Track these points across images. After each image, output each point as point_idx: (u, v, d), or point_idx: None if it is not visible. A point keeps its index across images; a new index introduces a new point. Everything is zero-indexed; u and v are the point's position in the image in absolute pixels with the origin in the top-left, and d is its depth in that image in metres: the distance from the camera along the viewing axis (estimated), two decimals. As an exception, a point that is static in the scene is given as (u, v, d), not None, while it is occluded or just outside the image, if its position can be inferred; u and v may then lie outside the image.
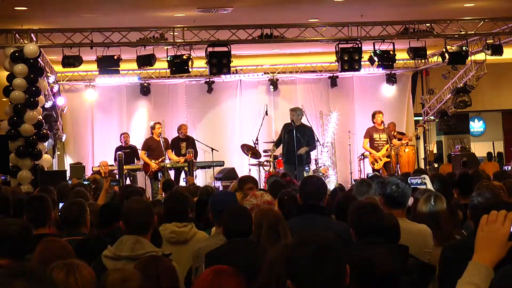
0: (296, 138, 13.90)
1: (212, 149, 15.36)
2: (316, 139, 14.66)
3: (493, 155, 18.95)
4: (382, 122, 14.90)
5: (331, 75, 17.67)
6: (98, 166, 15.29)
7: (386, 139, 14.82)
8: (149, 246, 4.20)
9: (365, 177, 12.52)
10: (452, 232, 4.97)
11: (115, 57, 13.71)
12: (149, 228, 4.38)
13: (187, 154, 14.48)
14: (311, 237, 2.56)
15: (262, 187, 10.46)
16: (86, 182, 10.38)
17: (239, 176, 14.47)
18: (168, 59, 13.92)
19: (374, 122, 14.99)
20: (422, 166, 17.87)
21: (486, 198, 4.29)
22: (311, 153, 14.72)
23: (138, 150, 15.50)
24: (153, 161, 14.75)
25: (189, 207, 6.04)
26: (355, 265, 3.41)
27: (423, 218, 5.00)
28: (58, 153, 17.07)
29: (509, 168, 12.65)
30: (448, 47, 14.85)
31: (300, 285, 2.48)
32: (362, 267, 3.42)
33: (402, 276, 3.50)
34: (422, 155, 19.14)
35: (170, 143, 15.33)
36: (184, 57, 13.89)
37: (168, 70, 14.71)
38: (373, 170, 14.60)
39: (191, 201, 6.68)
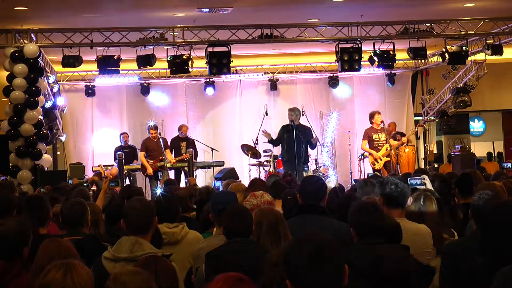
0: (297, 138, 13.92)
1: (212, 149, 15.36)
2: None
3: (493, 155, 18.94)
4: (382, 122, 14.89)
5: (331, 75, 17.67)
6: (98, 166, 15.27)
7: (385, 139, 14.81)
8: (148, 247, 4.18)
9: (365, 177, 12.54)
10: (440, 233, 4.97)
11: (115, 57, 13.71)
12: (150, 228, 4.37)
13: (186, 154, 14.48)
14: (308, 237, 2.57)
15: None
16: (85, 185, 10.36)
17: (239, 176, 14.55)
18: (168, 59, 13.92)
19: (372, 123, 14.96)
20: (422, 166, 17.87)
21: (486, 198, 4.29)
22: (311, 152, 14.76)
23: (138, 150, 15.50)
24: (150, 161, 14.73)
25: (181, 207, 6.06)
26: (368, 264, 3.40)
27: (411, 218, 5.01)
28: (58, 153, 17.06)
29: (509, 165, 12.58)
30: (448, 47, 14.84)
31: (298, 285, 2.48)
32: (374, 266, 3.41)
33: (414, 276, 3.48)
34: (422, 155, 19.15)
35: (170, 143, 15.34)
36: (184, 57, 13.88)
37: (168, 70, 14.71)
38: (374, 170, 14.59)
39: (187, 201, 6.69)
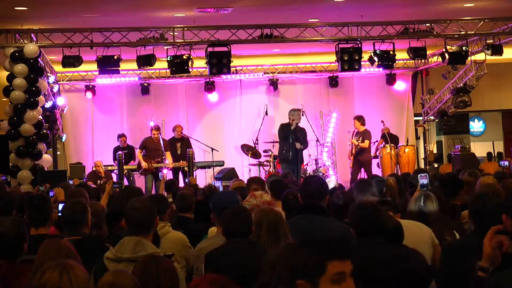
0: (297, 138, 14.04)
1: (212, 149, 15.36)
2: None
3: (493, 155, 18.94)
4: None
5: (331, 75, 17.68)
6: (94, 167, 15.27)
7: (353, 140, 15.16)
8: (150, 247, 4.18)
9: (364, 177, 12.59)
10: (443, 233, 4.97)
11: (115, 57, 13.71)
12: (152, 228, 4.38)
13: (182, 161, 14.50)
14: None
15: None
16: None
17: (239, 176, 14.55)
18: (168, 59, 13.91)
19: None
20: (422, 166, 17.87)
21: (487, 199, 4.29)
22: (311, 152, 14.89)
23: (136, 150, 15.47)
24: (146, 161, 14.72)
25: (183, 206, 6.09)
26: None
27: (412, 218, 5.01)
28: (58, 153, 17.07)
29: (506, 163, 12.59)
30: (448, 47, 14.85)
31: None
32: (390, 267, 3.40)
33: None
34: (422, 155, 19.15)
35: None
36: (184, 57, 13.88)
37: (168, 70, 14.71)
38: None
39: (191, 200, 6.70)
